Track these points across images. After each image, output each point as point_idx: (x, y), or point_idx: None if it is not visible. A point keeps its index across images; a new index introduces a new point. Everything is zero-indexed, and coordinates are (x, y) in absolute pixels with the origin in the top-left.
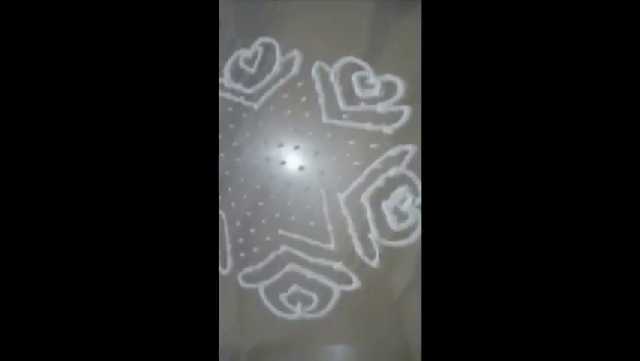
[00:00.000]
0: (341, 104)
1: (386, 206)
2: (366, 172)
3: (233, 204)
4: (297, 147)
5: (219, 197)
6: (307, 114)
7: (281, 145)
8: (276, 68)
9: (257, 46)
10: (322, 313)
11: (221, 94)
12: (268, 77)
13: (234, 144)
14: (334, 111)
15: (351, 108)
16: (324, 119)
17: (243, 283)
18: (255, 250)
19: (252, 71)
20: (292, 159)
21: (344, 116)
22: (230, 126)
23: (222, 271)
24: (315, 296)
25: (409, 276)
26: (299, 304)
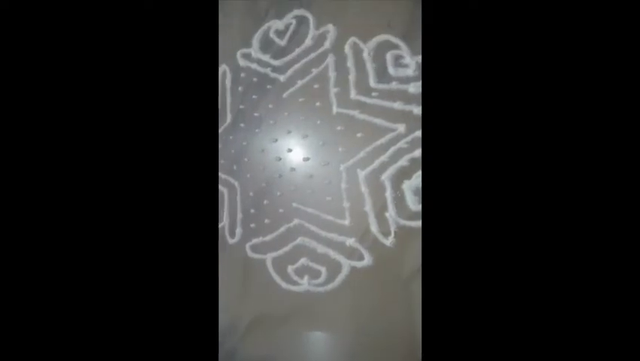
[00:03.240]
0: (372, 82)
1: (407, 186)
2: (391, 151)
3: (248, 175)
4: (319, 122)
5: (235, 167)
6: (336, 90)
7: (303, 119)
8: (308, 41)
9: (290, 18)
10: (329, 286)
11: (247, 64)
12: (298, 50)
13: (256, 114)
14: (364, 88)
15: (382, 86)
16: (353, 95)
17: (250, 254)
18: (266, 221)
19: (283, 43)
20: (314, 133)
21: (374, 94)
22: (254, 97)
23: (230, 241)
24: (323, 270)
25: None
26: (306, 277)
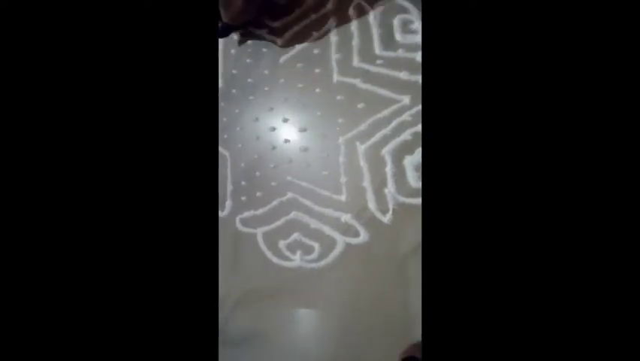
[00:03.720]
0: (377, 49)
1: (409, 161)
2: (394, 124)
3: (240, 145)
4: (318, 90)
5: (225, 136)
6: (337, 56)
7: (301, 87)
8: (309, 1)
9: None
10: (322, 263)
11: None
12: (298, 11)
13: (249, 80)
14: (369, 55)
15: (388, 54)
16: (356, 62)
17: (240, 227)
18: (258, 194)
19: (281, 1)
20: (312, 102)
21: (379, 61)
22: (248, 61)
23: (220, 214)
24: (316, 246)
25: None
26: (298, 253)
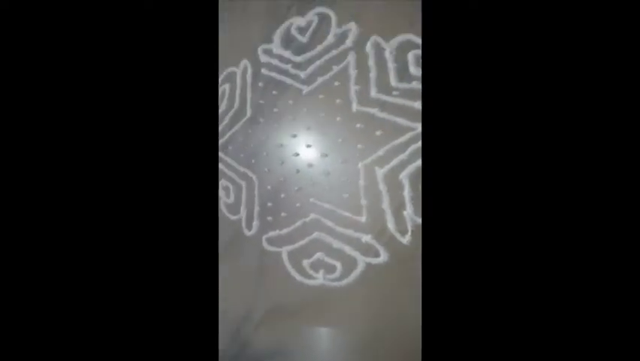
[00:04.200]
0: (393, 81)
1: None
2: (410, 150)
3: (266, 169)
4: (338, 119)
5: (253, 160)
6: (356, 87)
7: (323, 116)
8: (330, 38)
9: (312, 15)
10: (344, 282)
11: (268, 59)
12: (319, 48)
13: (275, 110)
14: (385, 87)
15: (403, 85)
16: (373, 93)
17: (266, 246)
18: (282, 214)
19: (304, 40)
20: (333, 130)
21: (395, 92)
22: (274, 92)
23: (247, 233)
24: (338, 265)
25: None
26: (321, 271)
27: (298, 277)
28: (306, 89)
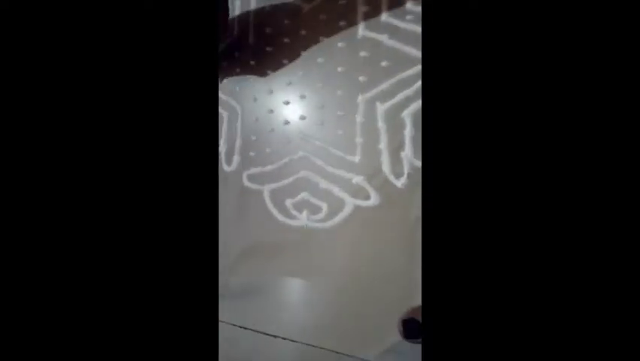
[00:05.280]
0: (409, 3)
1: None
2: (417, 85)
3: (254, 98)
4: (340, 45)
5: (237, 88)
6: (365, 9)
7: (323, 40)
8: None
9: None
10: (329, 223)
11: None
12: None
13: (267, 30)
14: (399, 9)
15: (420, 9)
16: (384, 17)
17: (247, 183)
18: (267, 150)
19: None
20: (333, 58)
21: (409, 17)
22: (267, 9)
23: (226, 168)
24: (324, 206)
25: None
26: (305, 212)
27: (280, 217)
28: (306, 6)
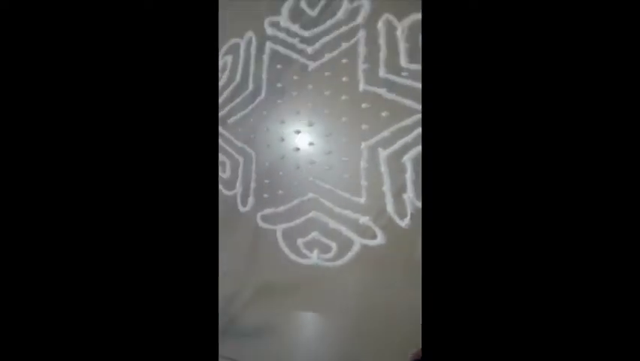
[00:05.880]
0: (403, 61)
1: None
2: (415, 133)
3: (266, 145)
4: (344, 98)
5: (252, 135)
6: (365, 66)
7: (328, 94)
8: (340, 14)
9: None
10: (338, 262)
11: (274, 32)
12: (329, 23)
13: (279, 85)
14: (394, 67)
15: (413, 67)
16: (382, 73)
17: (261, 223)
18: (280, 192)
19: (313, 14)
20: (337, 109)
21: (404, 73)
22: (278, 67)
23: (242, 209)
24: (334, 245)
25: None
26: (315, 251)
27: (292, 256)
28: (312, 64)
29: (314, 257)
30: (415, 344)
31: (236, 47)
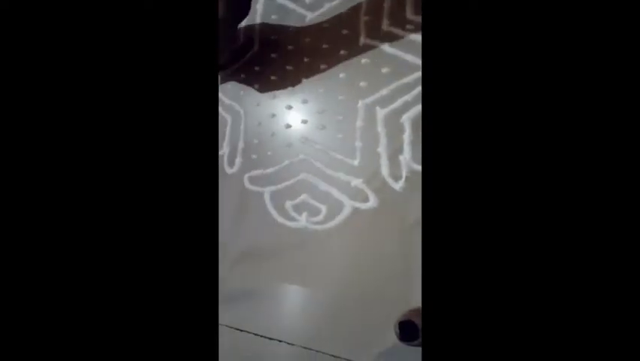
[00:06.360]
0: (409, 13)
1: None
2: (416, 91)
3: (257, 103)
4: (342, 52)
5: (241, 92)
6: (366, 18)
7: (326, 47)
8: None
9: None
10: (328, 225)
11: None
12: None
13: (273, 37)
14: (399, 19)
15: (419, 19)
16: (385, 26)
17: (248, 185)
18: (269, 153)
19: None
20: (334, 64)
21: (409, 26)
22: (273, 17)
23: (228, 170)
24: (323, 208)
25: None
26: (304, 214)
27: (280, 219)
28: (310, 15)
29: (303, 220)
30: (403, 308)
31: None
